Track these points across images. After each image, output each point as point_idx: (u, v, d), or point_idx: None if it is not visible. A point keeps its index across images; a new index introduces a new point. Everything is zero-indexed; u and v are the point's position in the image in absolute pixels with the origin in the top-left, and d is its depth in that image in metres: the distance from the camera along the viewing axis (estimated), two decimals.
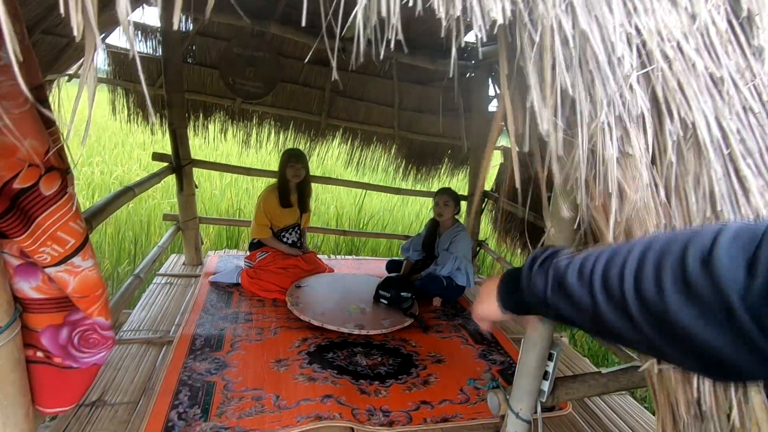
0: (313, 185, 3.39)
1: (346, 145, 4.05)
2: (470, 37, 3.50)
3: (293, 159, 2.91)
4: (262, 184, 5.35)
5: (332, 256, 4.03)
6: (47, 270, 0.95)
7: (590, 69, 0.50)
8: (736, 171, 0.52)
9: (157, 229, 4.40)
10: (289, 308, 2.53)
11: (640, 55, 0.51)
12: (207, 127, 3.66)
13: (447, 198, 3.02)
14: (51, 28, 2.38)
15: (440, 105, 3.81)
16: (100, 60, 3.32)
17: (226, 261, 3.34)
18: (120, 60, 3.25)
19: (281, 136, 3.85)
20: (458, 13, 0.47)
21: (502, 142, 4.24)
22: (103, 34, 2.75)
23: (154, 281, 2.91)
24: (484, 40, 0.46)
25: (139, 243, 4.10)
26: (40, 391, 1.02)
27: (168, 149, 3.06)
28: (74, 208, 0.96)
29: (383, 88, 3.79)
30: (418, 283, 2.93)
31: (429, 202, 5.26)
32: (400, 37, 0.49)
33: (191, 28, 3.21)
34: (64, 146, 1.03)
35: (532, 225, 3.34)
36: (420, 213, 5.97)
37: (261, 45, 3.28)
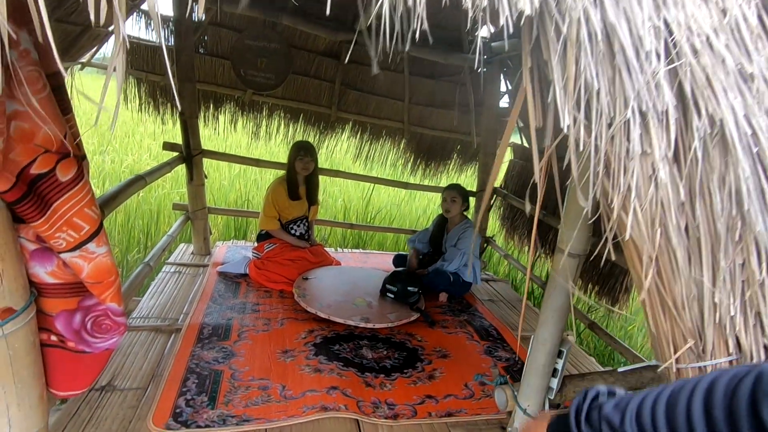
0: (321, 178, 3.39)
1: (355, 138, 4.04)
2: (483, 33, 3.46)
3: (303, 152, 2.91)
4: (271, 175, 5.37)
5: (339, 249, 4.04)
6: (62, 255, 0.96)
7: (616, 63, 0.49)
8: (765, 170, 0.51)
9: (166, 218, 4.43)
10: (296, 300, 2.54)
11: (668, 50, 0.50)
12: (217, 118, 3.67)
13: (455, 194, 3.01)
14: (65, 17, 2.39)
15: (456, 99, 3.78)
16: (111, 49, 3.33)
17: (234, 251, 3.36)
18: (132, 49, 3.26)
19: (291, 128, 3.85)
20: (485, 3, 0.47)
21: (512, 139, 4.21)
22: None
23: (163, 270, 2.94)
24: (511, 31, 0.46)
25: (149, 232, 4.13)
26: (54, 375, 1.04)
27: (178, 139, 3.07)
28: (90, 195, 0.97)
29: (394, 81, 3.77)
30: (425, 278, 2.93)
31: (437, 197, 5.24)
32: (426, 27, 0.49)
33: (203, 18, 3.21)
34: (80, 133, 1.04)
35: (541, 223, 3.32)
36: (427, 208, 5.96)
37: (273, 36, 3.28)
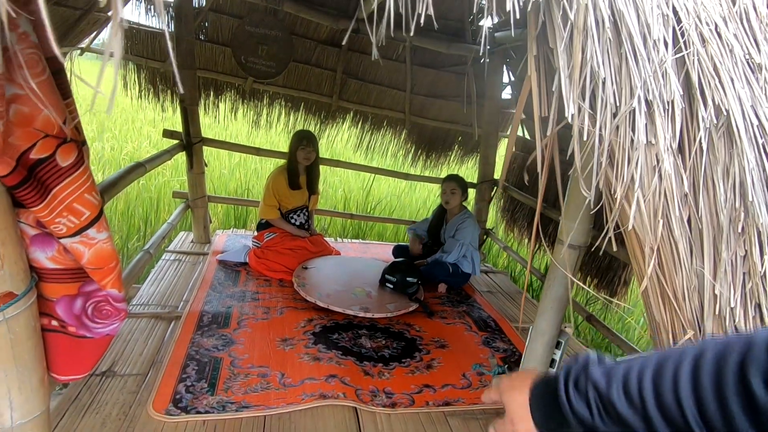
0: (322, 168, 3.38)
1: (356, 128, 4.02)
2: (486, 23, 3.43)
3: (305, 141, 2.89)
4: (271, 165, 5.35)
5: (339, 239, 4.05)
6: (63, 241, 0.95)
7: (623, 51, 0.48)
8: None
9: (166, 206, 4.43)
10: (296, 289, 2.55)
11: (675, 38, 0.49)
12: (218, 106, 3.65)
13: (454, 185, 3.00)
14: (63, 0, 2.36)
15: (464, 90, 3.74)
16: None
17: (233, 240, 3.37)
18: (132, 35, 3.23)
19: (291, 117, 3.83)
20: None
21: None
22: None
23: (162, 257, 2.95)
24: (518, 16, 0.45)
25: (149, 220, 4.13)
26: (55, 359, 1.04)
27: (178, 127, 3.06)
28: (90, 180, 0.97)
29: (396, 71, 3.74)
30: (424, 269, 2.94)
31: (437, 188, 5.23)
32: (431, 11, 0.48)
33: (204, 3, 3.18)
34: (80, 118, 1.04)
35: (541, 215, 3.32)
36: (428, 199, 5.95)
37: (274, 23, 3.24)
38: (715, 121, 0.49)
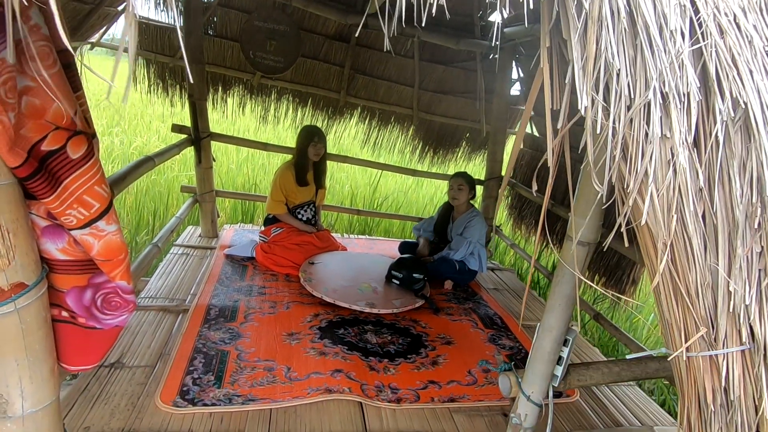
0: (329, 164, 3.38)
1: (364, 124, 4.02)
2: (495, 18, 3.40)
3: (317, 137, 2.89)
4: (278, 160, 5.37)
5: (345, 235, 4.05)
6: (73, 233, 0.96)
7: (639, 42, 0.47)
8: None
9: (174, 200, 4.46)
10: (302, 284, 2.56)
11: (693, 29, 0.48)
12: (226, 101, 3.66)
13: (462, 182, 2.99)
14: None
15: (478, 85, 3.71)
16: (121, 29, 3.32)
17: (241, 235, 3.39)
18: (141, 29, 3.24)
19: (299, 112, 3.83)
20: None
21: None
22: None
23: (171, 251, 2.97)
24: (531, 6, 0.44)
25: (158, 214, 4.17)
26: (65, 349, 1.05)
27: (187, 122, 3.07)
28: (100, 173, 0.97)
29: (404, 67, 3.73)
30: (431, 266, 2.94)
31: (444, 185, 5.21)
32: (443, 1, 0.47)
33: None
34: (90, 111, 1.04)
35: (549, 212, 3.30)
36: (435, 196, 5.94)
37: (282, 18, 3.24)
38: (732, 114, 0.48)
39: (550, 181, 0.59)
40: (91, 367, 1.14)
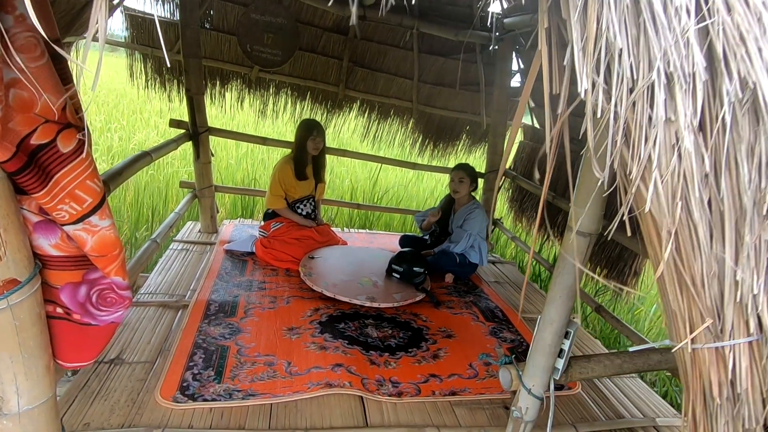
0: (328, 158, 3.36)
1: (363, 117, 3.99)
2: (495, 9, 3.35)
3: (315, 131, 2.87)
4: (278, 155, 5.34)
5: (345, 230, 4.04)
6: (66, 228, 0.95)
7: (642, 20, 0.45)
8: None
9: (174, 196, 4.45)
10: (302, 278, 2.55)
11: (698, 6, 0.46)
12: (224, 96, 3.63)
13: (463, 174, 2.97)
14: None
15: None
16: (118, 24, 3.29)
17: (240, 230, 3.37)
18: (138, 24, 3.21)
19: (298, 106, 3.81)
20: None
21: (523, 120, 4.13)
22: None
23: (170, 247, 2.96)
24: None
25: (157, 210, 4.16)
26: (60, 346, 1.04)
27: (185, 118, 3.05)
28: (92, 167, 0.95)
29: (403, 59, 3.69)
30: (431, 259, 2.92)
31: (444, 178, 5.18)
32: None
33: None
34: (81, 104, 1.02)
35: (550, 204, 3.28)
36: (435, 189, 5.91)
37: (279, 11, 3.21)
38: (740, 96, 0.46)
39: (549, 170, 0.57)
40: (87, 363, 1.13)
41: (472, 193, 3.07)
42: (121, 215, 3.96)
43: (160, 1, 3.12)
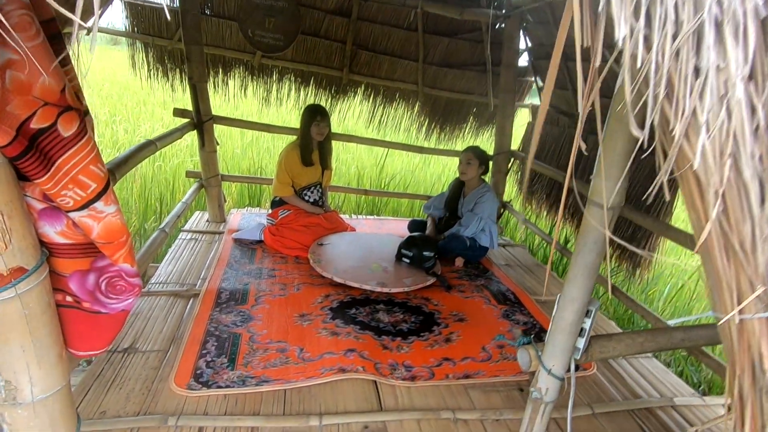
0: (334, 144, 3.31)
1: (368, 102, 3.93)
2: None
3: (319, 116, 2.82)
4: (283, 142, 5.30)
5: (353, 216, 4.01)
6: (71, 215, 0.93)
7: None
8: None
9: (181, 186, 4.45)
10: (312, 265, 2.53)
11: None
12: (227, 84, 3.59)
13: (471, 156, 2.91)
14: None
15: (488, 56, 3.57)
16: (118, 13, 3.25)
17: (248, 219, 3.36)
18: (138, 13, 3.17)
19: (302, 92, 3.76)
20: None
21: (531, 100, 4.04)
22: None
23: (179, 237, 2.96)
24: None
25: (164, 200, 4.16)
26: (72, 335, 1.03)
27: (188, 107, 3.02)
28: (95, 152, 0.93)
29: (407, 40, 3.61)
30: (442, 243, 2.89)
31: (452, 162, 5.12)
32: None
33: None
34: (81, 87, 1.00)
35: (559, 185, 3.21)
36: (442, 174, 5.85)
37: None
38: None
39: (579, 129, 0.53)
40: (100, 352, 1.12)
41: (482, 176, 3.02)
42: (129, 207, 3.97)
43: None
